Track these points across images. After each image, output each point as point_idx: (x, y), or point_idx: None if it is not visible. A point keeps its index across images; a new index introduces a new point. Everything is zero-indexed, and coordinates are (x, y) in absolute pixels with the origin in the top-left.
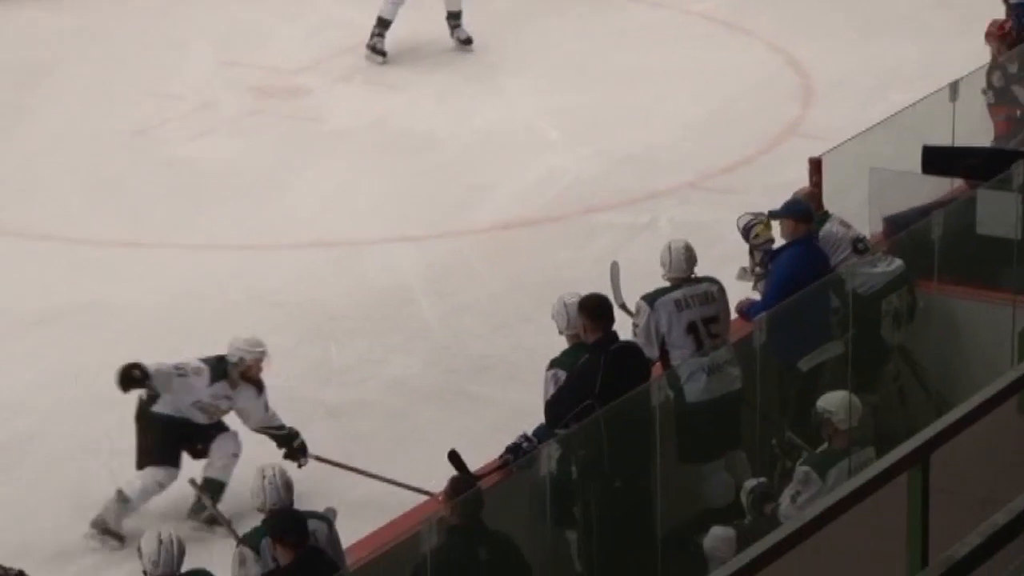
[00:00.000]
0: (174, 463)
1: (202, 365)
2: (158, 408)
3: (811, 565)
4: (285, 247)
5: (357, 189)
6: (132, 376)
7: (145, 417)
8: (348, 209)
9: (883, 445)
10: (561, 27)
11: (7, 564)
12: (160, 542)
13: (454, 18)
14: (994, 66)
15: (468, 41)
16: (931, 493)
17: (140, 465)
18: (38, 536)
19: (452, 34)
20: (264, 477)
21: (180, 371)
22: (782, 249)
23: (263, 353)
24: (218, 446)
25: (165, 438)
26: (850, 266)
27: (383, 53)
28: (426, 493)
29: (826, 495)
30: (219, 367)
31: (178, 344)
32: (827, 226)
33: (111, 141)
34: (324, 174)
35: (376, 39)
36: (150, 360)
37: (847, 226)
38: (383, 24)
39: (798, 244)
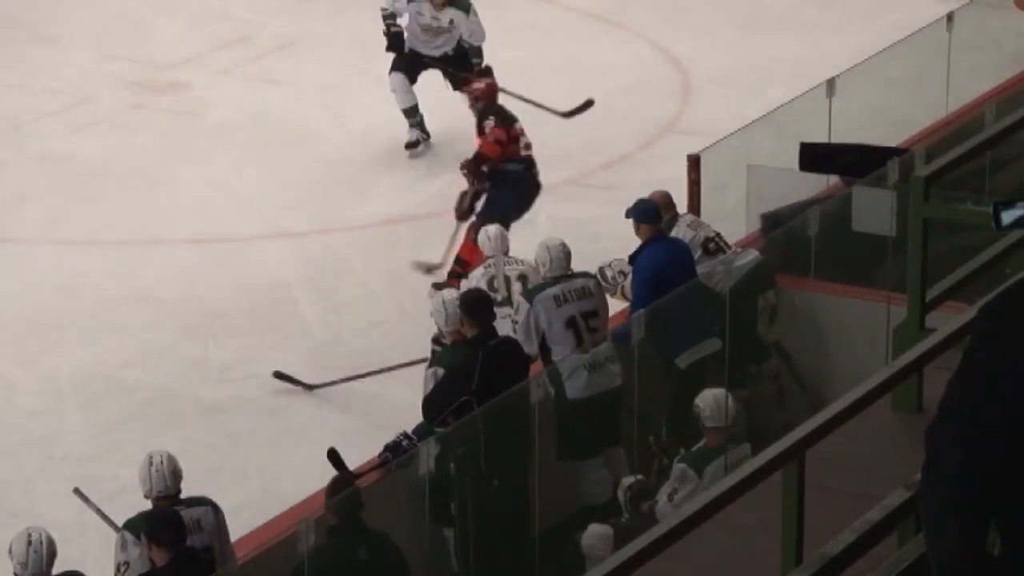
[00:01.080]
0: None
1: None
2: None
3: (687, 563)
4: (164, 243)
5: (237, 185)
6: None
7: None
8: (228, 205)
9: (760, 443)
10: None
11: None
12: (30, 543)
13: (409, 115)
14: None
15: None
16: (806, 490)
17: None
18: None
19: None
20: (151, 464)
21: None
22: (639, 251)
23: None
24: None
25: None
26: (705, 267)
27: (414, 144)
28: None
29: (702, 492)
30: None
31: (52, 342)
32: (673, 231)
33: None
34: (204, 169)
35: (411, 131)
36: None
37: (696, 228)
38: (407, 114)
39: (653, 242)
